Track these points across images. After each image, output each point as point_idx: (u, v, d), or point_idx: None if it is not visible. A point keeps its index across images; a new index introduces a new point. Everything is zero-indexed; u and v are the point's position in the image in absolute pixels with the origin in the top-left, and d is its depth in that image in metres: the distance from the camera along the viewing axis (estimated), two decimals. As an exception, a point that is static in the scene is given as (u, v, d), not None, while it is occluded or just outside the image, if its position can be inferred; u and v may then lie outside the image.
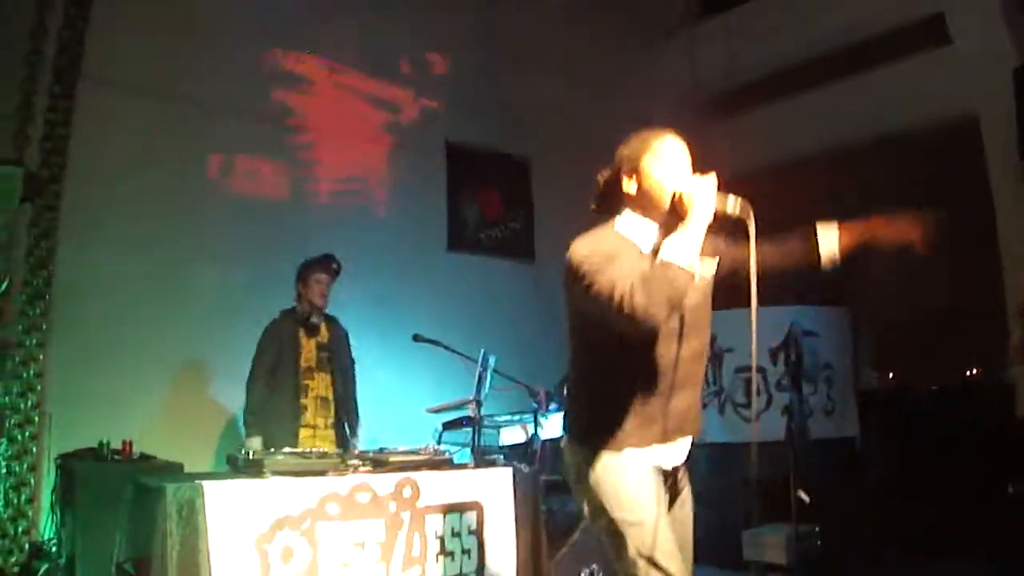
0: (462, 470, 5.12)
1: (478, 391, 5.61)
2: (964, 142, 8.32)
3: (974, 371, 8.89)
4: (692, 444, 3.51)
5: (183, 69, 7.36)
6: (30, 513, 6.13)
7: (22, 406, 6.22)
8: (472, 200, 9.26)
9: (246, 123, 7.71)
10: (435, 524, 4.79)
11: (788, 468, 6.68)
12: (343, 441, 6.21)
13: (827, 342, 7.83)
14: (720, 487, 7.68)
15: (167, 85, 7.20)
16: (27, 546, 6.00)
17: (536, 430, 5.93)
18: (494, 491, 5.08)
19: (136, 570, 4.28)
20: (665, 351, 3.25)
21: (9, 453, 6.12)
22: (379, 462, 4.77)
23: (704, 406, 7.86)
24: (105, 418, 6.26)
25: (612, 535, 3.25)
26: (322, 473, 4.52)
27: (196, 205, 7.26)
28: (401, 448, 5.14)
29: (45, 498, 6.12)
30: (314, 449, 5.19)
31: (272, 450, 4.94)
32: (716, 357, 8.00)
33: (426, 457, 4.97)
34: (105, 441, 5.88)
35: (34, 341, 6.33)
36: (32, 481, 6.20)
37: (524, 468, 5.27)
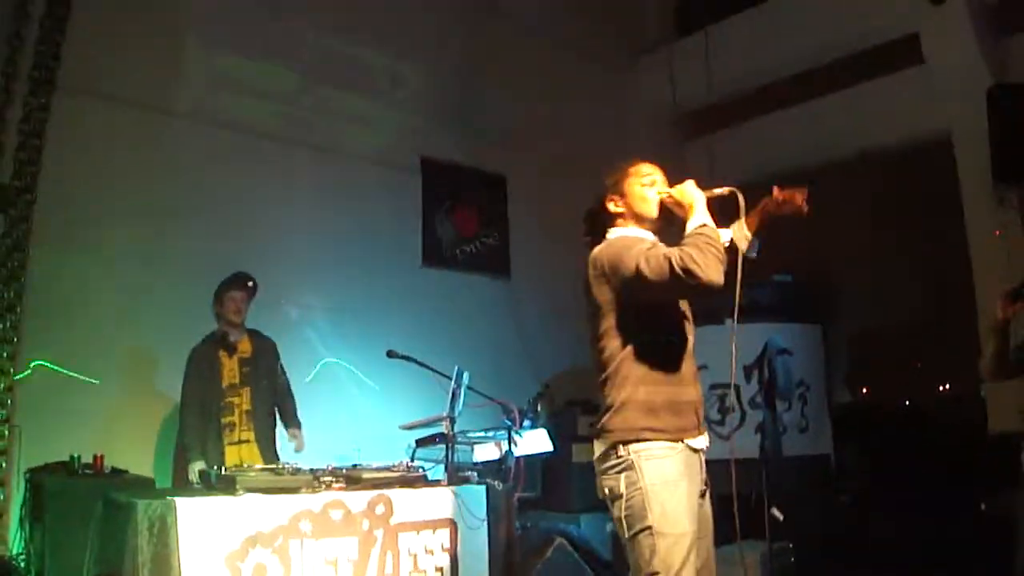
0: (436, 487, 5.10)
1: (452, 408, 5.58)
2: (938, 161, 8.40)
3: (947, 387, 8.94)
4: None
5: (157, 80, 7.33)
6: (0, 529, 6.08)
7: (-8, 420, 6.16)
8: (447, 216, 9.23)
9: (220, 134, 7.67)
10: (408, 541, 4.78)
11: (762, 485, 6.69)
12: (270, 453, 6.28)
13: (801, 360, 7.86)
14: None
15: (142, 96, 7.16)
16: (-4, 561, 5.94)
17: (510, 447, 5.91)
18: (468, 508, 5.07)
19: (106, 587, 4.25)
20: (688, 336, 3.63)
21: (-22, 467, 6.07)
22: (352, 479, 4.76)
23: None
24: (76, 432, 6.21)
25: (644, 541, 3.38)
26: (295, 490, 4.50)
27: (170, 217, 7.21)
28: (374, 465, 5.12)
29: (14, 513, 6.05)
30: (286, 465, 5.16)
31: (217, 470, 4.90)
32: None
33: (399, 474, 4.96)
34: (76, 455, 5.83)
35: (5, 353, 6.28)
36: (1, 496, 6.14)
37: (498, 485, 5.26)
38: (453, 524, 4.98)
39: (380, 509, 4.70)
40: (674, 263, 3.21)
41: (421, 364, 6.03)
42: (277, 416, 6.51)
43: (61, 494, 5.48)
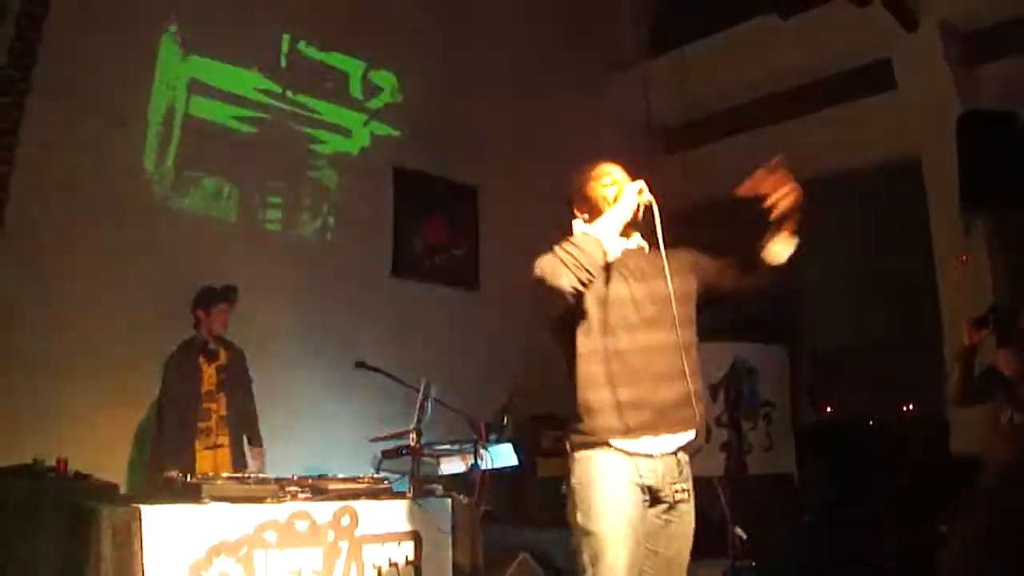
0: (401, 499, 5.10)
1: (418, 420, 5.59)
2: (907, 185, 8.47)
3: (910, 409, 9.00)
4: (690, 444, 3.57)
5: (131, 85, 7.32)
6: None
7: (-45, 422, 6.12)
8: (418, 226, 9.22)
9: (193, 142, 7.66)
10: (373, 553, 4.78)
11: (726, 504, 6.73)
12: (239, 457, 6.43)
13: (766, 379, 7.90)
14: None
15: (115, 101, 7.14)
16: (-45, 564, 5.88)
17: (476, 460, 5.92)
18: (433, 521, 5.08)
19: (68, 594, 4.23)
20: (593, 343, 3.47)
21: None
22: (318, 490, 4.76)
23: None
24: (40, 435, 6.17)
25: (575, 539, 3.38)
26: (261, 500, 4.49)
27: (139, 223, 7.18)
28: (340, 476, 5.12)
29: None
30: (251, 474, 5.15)
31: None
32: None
33: (365, 485, 4.96)
34: (40, 459, 5.80)
35: (-29, 358, 6.25)
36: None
37: (463, 498, 5.27)
38: (418, 537, 4.99)
39: (345, 520, 4.70)
40: (535, 271, 3.29)
41: (389, 375, 6.04)
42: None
43: (24, 498, 5.44)
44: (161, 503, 4.31)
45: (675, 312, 3.52)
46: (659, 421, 3.43)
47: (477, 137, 9.31)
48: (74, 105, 6.85)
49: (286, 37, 8.30)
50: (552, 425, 8.18)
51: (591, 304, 3.45)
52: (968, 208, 7.82)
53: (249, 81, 8.10)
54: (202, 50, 7.79)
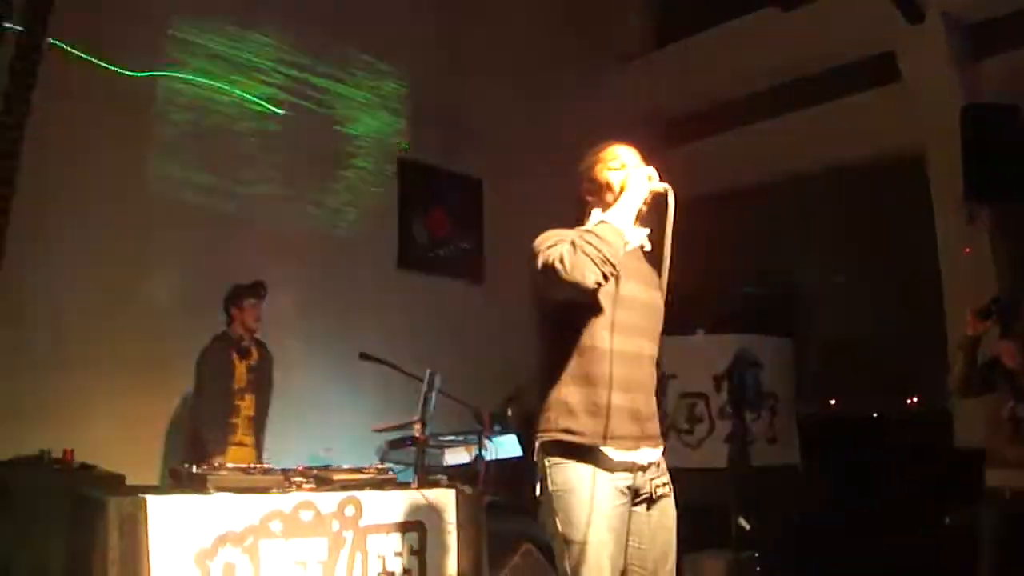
0: (405, 490, 5.12)
1: (423, 411, 5.61)
2: (911, 177, 8.47)
3: (914, 401, 9.00)
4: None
5: (135, 78, 7.32)
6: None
7: (-39, 413, 6.13)
8: (423, 218, 9.23)
9: (196, 132, 7.67)
10: (377, 544, 4.80)
11: (729, 495, 6.75)
12: (261, 458, 6.36)
13: (770, 371, 7.91)
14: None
15: (119, 93, 7.15)
16: (-38, 556, 5.91)
17: (480, 451, 5.94)
18: (437, 512, 5.09)
19: (74, 583, 4.25)
20: (600, 340, 3.37)
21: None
22: (323, 480, 4.77)
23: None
24: (46, 427, 6.19)
25: (555, 545, 3.33)
26: (266, 490, 4.51)
27: (143, 213, 7.18)
28: (345, 466, 5.14)
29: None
30: (256, 465, 5.17)
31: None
32: (661, 383, 8.06)
33: (370, 476, 4.97)
34: (46, 450, 5.82)
35: (-22, 348, 6.26)
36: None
37: (467, 489, 5.28)
38: (422, 527, 5.00)
39: (350, 511, 4.71)
40: (550, 259, 3.19)
41: (394, 367, 6.06)
42: None
43: (30, 489, 5.46)
44: (167, 493, 4.33)
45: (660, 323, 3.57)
46: (642, 432, 3.43)
47: (482, 129, 9.32)
48: (81, 98, 6.86)
49: (292, 29, 8.29)
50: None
51: (604, 299, 3.36)
52: (971, 200, 7.83)
53: (254, 74, 8.10)
54: (208, 38, 7.79)
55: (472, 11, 9.54)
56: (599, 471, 3.30)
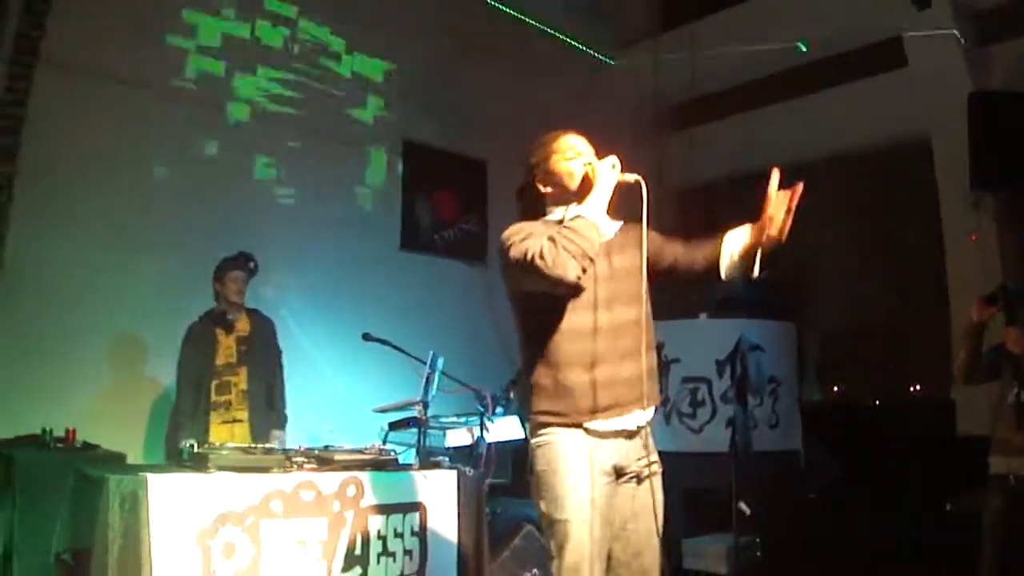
0: (407, 471, 5.11)
1: (425, 392, 5.61)
2: (916, 164, 8.46)
3: (917, 388, 9.00)
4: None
5: (139, 55, 7.30)
6: (-32, 501, 6.05)
7: (-36, 393, 6.14)
8: (427, 200, 9.22)
9: (200, 114, 7.65)
10: (378, 524, 4.79)
11: (731, 479, 6.75)
12: (261, 434, 6.22)
13: (773, 356, 7.90)
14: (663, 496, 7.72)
15: (122, 71, 7.13)
16: (-36, 534, 5.91)
17: (482, 433, 5.94)
18: (438, 493, 5.08)
19: (75, 561, 4.25)
20: (583, 320, 3.45)
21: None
22: (324, 460, 4.76)
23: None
24: (48, 406, 6.19)
25: (543, 523, 3.46)
26: (267, 470, 4.51)
27: (144, 193, 7.18)
28: (347, 447, 5.13)
29: (-17, 487, 6.04)
30: (257, 445, 5.16)
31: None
32: (663, 367, 8.06)
33: (371, 457, 4.97)
34: (48, 428, 5.82)
35: (-18, 329, 6.27)
36: (-29, 469, 6.11)
37: (469, 471, 5.27)
38: (423, 508, 4.99)
39: (351, 491, 4.71)
40: (528, 254, 3.27)
41: (396, 348, 6.05)
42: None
43: (32, 468, 5.45)
44: (168, 472, 4.33)
45: (643, 286, 3.56)
46: (626, 398, 3.47)
47: (485, 112, 9.30)
48: (84, 76, 6.86)
49: (294, 12, 8.27)
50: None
51: (585, 281, 3.41)
52: (977, 187, 7.81)
53: (258, 57, 8.08)
54: (212, 23, 7.78)
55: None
56: (583, 451, 3.39)
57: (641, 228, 3.56)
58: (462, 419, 6.31)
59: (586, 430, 3.40)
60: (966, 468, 5.69)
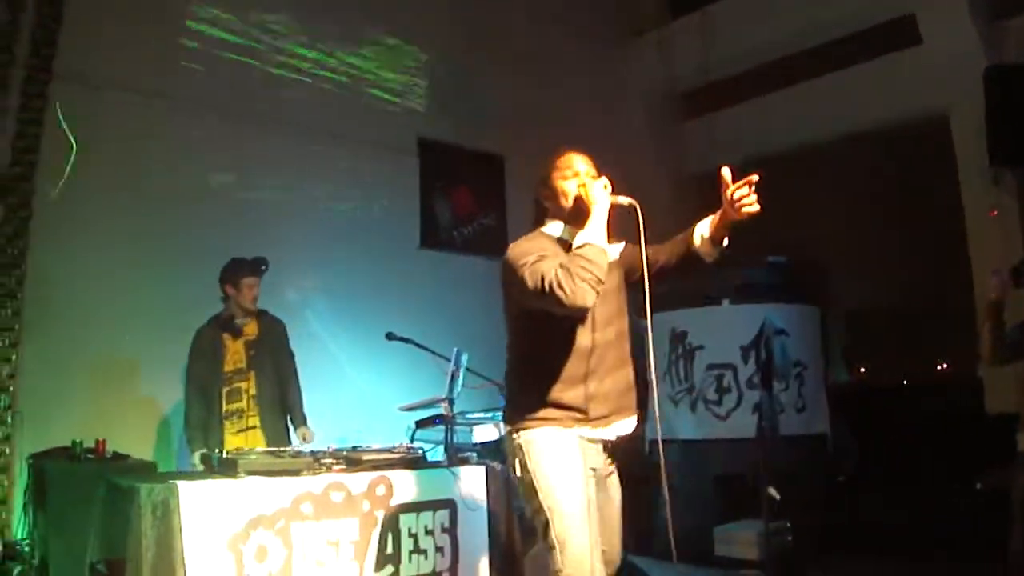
0: (435, 468, 5.14)
1: (451, 389, 5.61)
2: (935, 141, 8.41)
3: (944, 367, 8.96)
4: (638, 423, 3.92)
5: (155, 66, 7.34)
6: (3, 514, 6.10)
7: (-6, 406, 6.20)
8: (445, 197, 9.23)
9: (218, 120, 7.68)
10: (409, 522, 4.82)
11: (759, 465, 6.73)
12: (275, 439, 6.09)
13: (798, 340, 7.87)
14: (692, 483, 7.73)
15: (139, 83, 7.17)
16: (0, 546, 5.96)
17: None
18: (467, 489, 5.11)
19: (109, 570, 4.29)
20: (583, 339, 3.70)
21: (-18, 454, 6.09)
22: (353, 461, 4.78)
23: (676, 403, 7.96)
24: (78, 417, 6.25)
25: (540, 518, 3.63)
26: (296, 472, 4.53)
27: (167, 202, 7.21)
28: (375, 446, 5.15)
29: (18, 498, 6.08)
30: (286, 448, 5.19)
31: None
32: (688, 354, 8.05)
33: (399, 455, 4.99)
34: (78, 440, 5.86)
35: (7, 341, 6.31)
36: (5, 482, 6.17)
37: (497, 466, 5.29)
38: (453, 505, 5.02)
39: (381, 490, 4.73)
40: (546, 281, 3.43)
41: (420, 346, 6.07)
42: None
43: (63, 479, 5.50)
44: (198, 479, 4.36)
45: (624, 301, 3.93)
46: (613, 409, 3.78)
47: (500, 106, 9.32)
48: (98, 86, 6.89)
49: (309, 12, 8.30)
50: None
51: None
52: (997, 162, 7.77)
53: (271, 57, 8.11)
54: (224, 26, 7.81)
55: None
56: (578, 450, 3.68)
57: (624, 247, 3.89)
58: (489, 414, 6.32)
59: (579, 436, 3.70)
60: (995, 446, 5.66)
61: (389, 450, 5.06)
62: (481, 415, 6.39)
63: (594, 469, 3.76)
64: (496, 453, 5.75)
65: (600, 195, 3.67)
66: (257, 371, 6.17)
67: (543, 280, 3.44)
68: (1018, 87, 7.61)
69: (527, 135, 9.23)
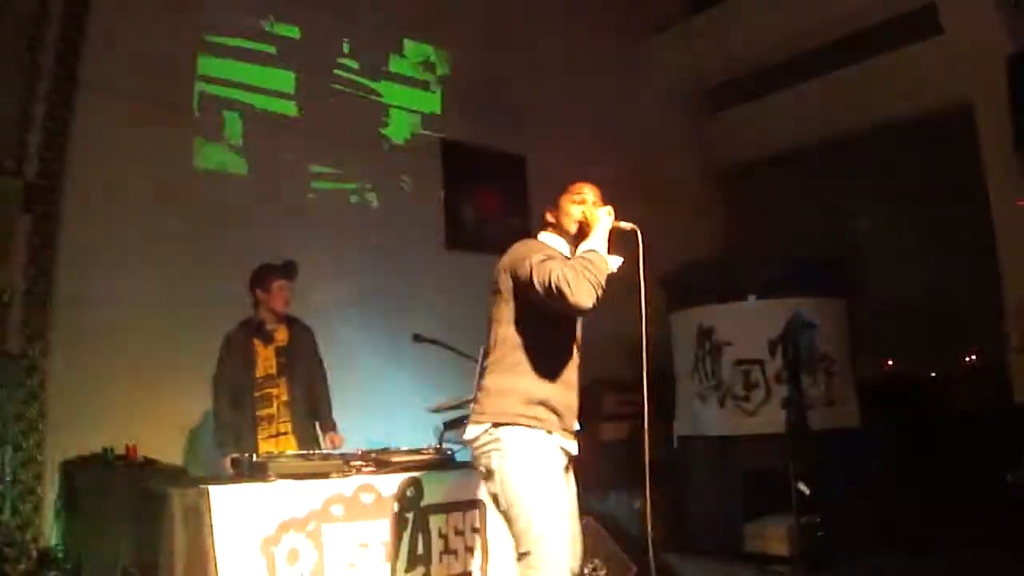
0: (465, 469, 5.14)
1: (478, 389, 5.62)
2: (959, 131, 8.35)
3: (972, 358, 8.90)
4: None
5: (178, 74, 7.39)
6: (37, 521, 6.15)
7: (27, 414, 6.23)
8: (469, 198, 9.25)
9: (243, 125, 7.73)
10: (439, 523, 4.84)
11: (789, 460, 6.71)
12: (306, 445, 5.99)
13: (825, 333, 7.84)
14: (721, 480, 7.72)
15: (163, 91, 7.21)
16: (35, 553, 6.01)
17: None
18: (497, 489, 5.11)
19: (142, 575, 4.32)
20: (571, 349, 4.05)
21: (16, 461, 6.13)
22: (382, 463, 4.81)
23: (703, 400, 7.96)
24: (109, 424, 6.27)
25: (516, 519, 3.77)
26: (326, 475, 4.56)
27: (193, 209, 7.26)
28: (404, 448, 5.17)
29: (51, 505, 6.13)
30: (315, 451, 5.20)
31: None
32: (716, 350, 8.04)
33: (429, 457, 5.00)
34: (109, 447, 5.90)
35: (37, 350, 6.35)
36: (38, 489, 6.21)
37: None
38: (483, 505, 5.02)
39: (411, 492, 4.75)
40: (552, 279, 3.62)
41: (447, 347, 6.07)
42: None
43: (96, 486, 5.56)
44: (229, 483, 4.39)
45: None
46: (571, 426, 4.04)
47: (523, 106, 9.32)
48: (122, 99, 6.93)
49: (331, 14, 8.34)
50: (616, 389, 8.22)
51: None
52: (1022, 151, 7.71)
53: (294, 61, 8.14)
54: (247, 32, 7.85)
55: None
56: (553, 451, 3.89)
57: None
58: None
59: (555, 440, 3.91)
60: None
61: (418, 451, 5.07)
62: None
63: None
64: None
65: (603, 216, 3.96)
66: (288, 377, 6.10)
67: (550, 277, 3.62)
68: (1044, 72, 7.57)
69: (551, 135, 9.25)
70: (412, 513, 4.73)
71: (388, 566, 4.60)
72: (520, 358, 3.91)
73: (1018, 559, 6.12)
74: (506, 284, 3.99)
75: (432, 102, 9.16)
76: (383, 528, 4.62)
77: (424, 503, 4.79)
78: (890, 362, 9.42)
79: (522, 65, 9.36)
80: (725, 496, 7.76)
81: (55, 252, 6.51)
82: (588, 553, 5.58)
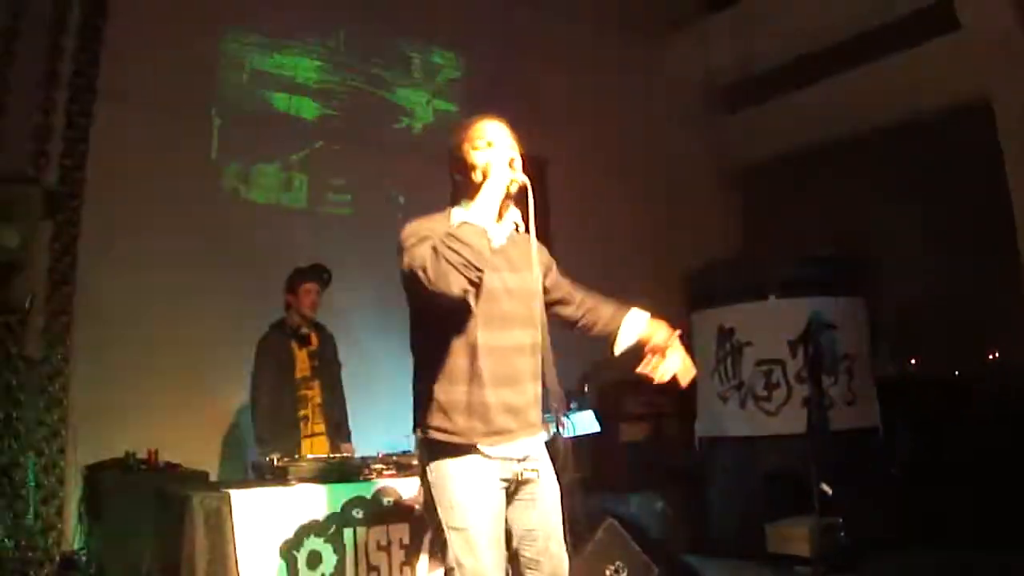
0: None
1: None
2: (978, 127, 8.30)
3: (994, 356, 8.85)
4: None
5: (197, 82, 7.43)
6: (59, 525, 6.18)
7: (49, 420, 6.28)
8: (488, 201, 9.24)
9: (260, 132, 7.76)
10: (459, 524, 4.83)
11: (810, 461, 6.69)
12: (336, 446, 6.12)
13: (845, 333, 7.81)
14: (742, 480, 7.69)
15: (182, 98, 7.25)
16: (57, 557, 6.05)
17: (558, 428, 5.95)
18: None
19: (164, 578, 4.34)
20: (479, 339, 3.27)
21: (38, 466, 6.17)
22: (402, 465, 4.81)
23: (724, 400, 7.93)
24: (130, 429, 6.32)
25: (438, 534, 3.28)
26: (346, 478, 4.57)
27: (214, 216, 7.29)
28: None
29: (74, 510, 6.17)
30: (335, 455, 5.22)
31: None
32: (736, 350, 8.01)
33: (448, 459, 5.00)
34: (131, 451, 5.93)
35: (59, 356, 6.40)
36: (61, 494, 6.25)
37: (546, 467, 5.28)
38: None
39: (431, 495, 4.75)
40: (413, 263, 3.12)
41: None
42: None
43: (118, 490, 5.59)
44: (250, 487, 4.40)
45: (540, 309, 3.44)
46: (519, 424, 3.33)
47: (540, 108, 9.31)
48: (141, 107, 6.97)
49: (345, 21, 8.36)
50: (637, 391, 8.20)
51: (470, 295, 3.20)
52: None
53: (310, 67, 8.17)
54: (262, 41, 7.88)
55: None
56: (476, 462, 3.23)
57: (539, 249, 3.46)
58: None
59: (477, 450, 3.24)
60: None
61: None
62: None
63: (506, 480, 3.30)
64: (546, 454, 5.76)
65: (499, 170, 3.30)
66: (321, 380, 6.24)
67: (413, 264, 3.11)
68: (1061, 66, 7.54)
69: (568, 135, 9.23)
70: (432, 515, 4.74)
71: (409, 569, 4.60)
72: (430, 362, 3.34)
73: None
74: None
75: (447, 106, 9.17)
76: (403, 530, 4.63)
77: (444, 505, 4.79)
78: (911, 361, 9.37)
79: (538, 65, 9.34)
80: (746, 497, 7.73)
81: (76, 259, 6.55)
82: (610, 555, 5.61)
